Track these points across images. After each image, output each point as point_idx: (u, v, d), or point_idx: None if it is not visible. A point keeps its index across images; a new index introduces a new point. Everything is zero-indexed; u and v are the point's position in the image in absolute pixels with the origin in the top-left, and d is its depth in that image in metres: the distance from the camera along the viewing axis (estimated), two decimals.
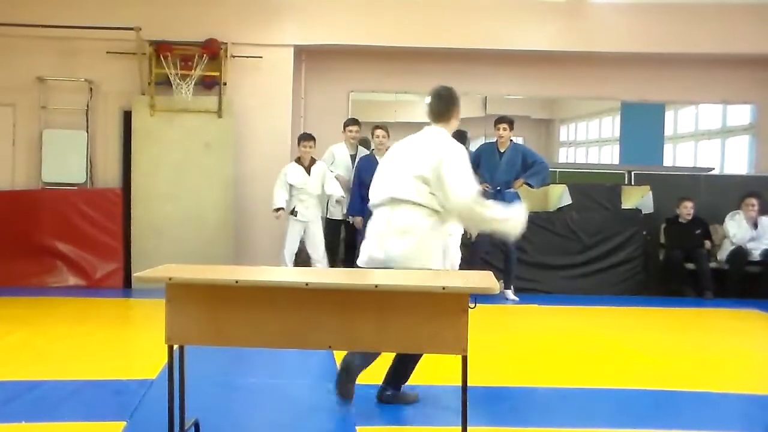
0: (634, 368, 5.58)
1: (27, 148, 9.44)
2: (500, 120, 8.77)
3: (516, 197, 8.43)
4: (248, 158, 9.49)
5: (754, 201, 9.44)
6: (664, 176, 10.17)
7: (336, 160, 8.88)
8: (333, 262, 9.07)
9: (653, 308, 8.53)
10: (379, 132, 8.72)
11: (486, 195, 8.27)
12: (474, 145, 10.66)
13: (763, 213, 9.52)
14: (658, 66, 10.30)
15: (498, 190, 8.51)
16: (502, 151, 8.74)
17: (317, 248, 8.55)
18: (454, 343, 3.26)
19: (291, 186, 8.57)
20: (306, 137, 8.66)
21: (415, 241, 4.28)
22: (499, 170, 8.66)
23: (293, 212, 8.53)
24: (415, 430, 4.01)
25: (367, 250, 4.39)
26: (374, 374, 4.94)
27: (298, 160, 8.65)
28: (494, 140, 8.89)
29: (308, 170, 8.59)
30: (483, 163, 8.75)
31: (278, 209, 8.46)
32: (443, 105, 4.55)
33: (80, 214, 9.14)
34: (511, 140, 8.81)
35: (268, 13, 9.62)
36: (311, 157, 8.64)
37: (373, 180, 4.56)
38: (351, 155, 9.04)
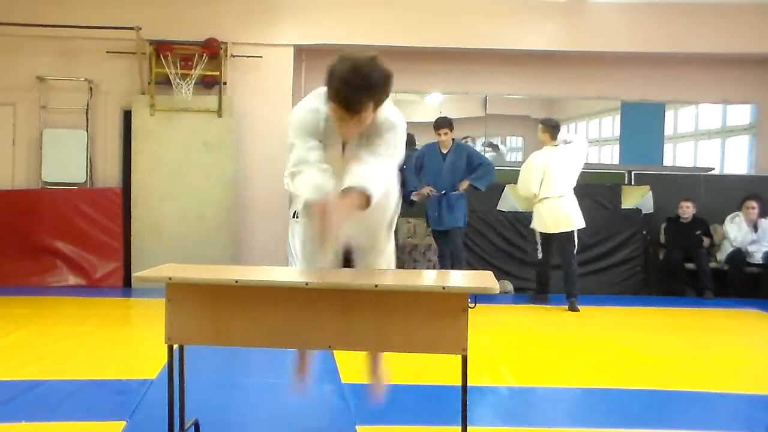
0: (634, 368, 5.58)
1: (27, 148, 9.44)
2: (440, 125, 8.50)
3: (461, 199, 8.40)
4: (248, 158, 9.50)
5: (754, 204, 9.42)
6: (664, 176, 10.17)
7: None
8: None
9: (653, 308, 8.54)
10: None
11: (431, 198, 8.32)
12: (474, 146, 10.70)
13: (763, 215, 9.50)
14: (658, 66, 10.30)
15: (444, 193, 8.39)
16: (444, 152, 8.53)
17: None
18: (454, 343, 3.26)
19: None
20: None
21: (578, 215, 8.28)
22: (443, 172, 8.46)
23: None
24: (415, 430, 4.01)
25: (554, 223, 8.27)
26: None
27: None
28: (436, 141, 8.60)
29: None
30: (426, 165, 8.56)
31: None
32: (558, 129, 8.42)
33: (80, 213, 9.15)
34: (453, 140, 8.60)
35: (268, 13, 9.62)
36: None
37: (543, 179, 8.23)
38: None
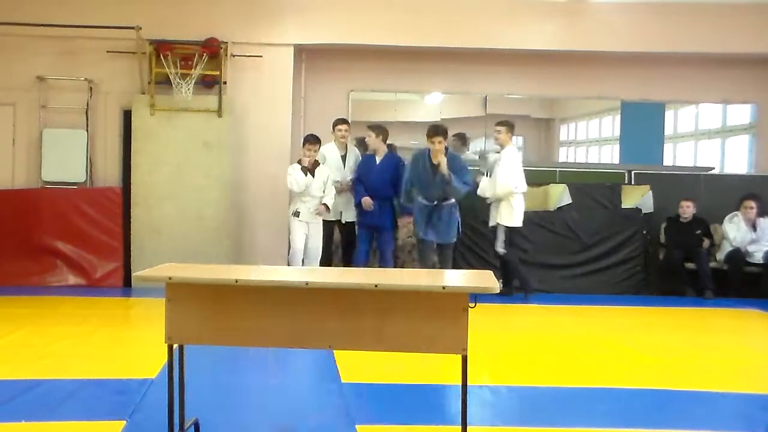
0: (634, 368, 5.58)
1: (27, 148, 9.44)
2: (434, 132, 8.13)
3: (454, 210, 8.33)
4: (248, 158, 9.49)
5: (752, 203, 9.41)
6: (664, 176, 10.16)
7: (327, 160, 8.83)
8: (329, 262, 9.05)
9: (653, 308, 8.53)
10: (367, 133, 8.81)
11: (424, 208, 8.25)
12: (474, 146, 10.70)
13: (762, 215, 9.48)
14: (658, 66, 10.30)
15: (435, 205, 8.25)
16: (436, 163, 8.12)
17: (314, 249, 8.47)
18: (454, 343, 3.26)
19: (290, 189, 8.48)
20: (310, 140, 8.45)
21: None
22: (433, 184, 8.20)
23: (296, 213, 8.45)
24: (415, 430, 4.01)
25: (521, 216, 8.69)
26: (375, 374, 4.94)
27: (299, 162, 8.48)
28: (428, 149, 8.22)
29: (312, 172, 8.41)
30: (414, 175, 8.30)
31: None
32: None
33: (80, 213, 9.14)
34: (447, 149, 8.26)
35: (268, 13, 9.61)
36: (315, 159, 8.47)
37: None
38: (341, 155, 8.99)
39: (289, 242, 8.71)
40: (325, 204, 8.46)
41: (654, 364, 5.75)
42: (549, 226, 9.52)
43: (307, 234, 8.46)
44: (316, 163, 8.48)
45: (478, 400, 4.42)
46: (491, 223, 8.86)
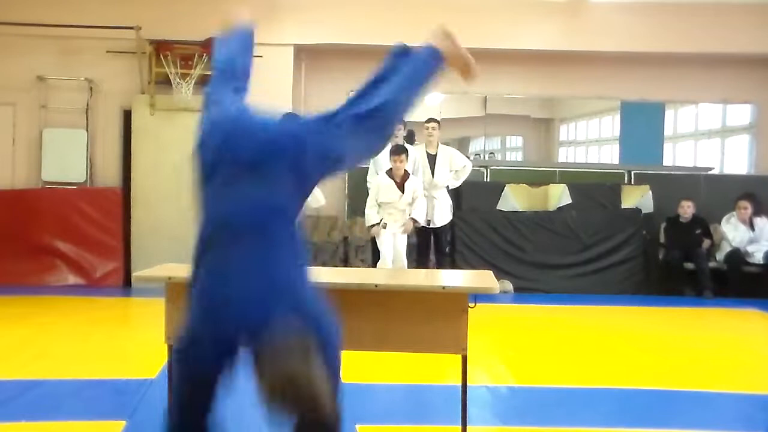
0: (634, 368, 5.58)
1: (27, 147, 9.44)
2: (398, 151, 7.86)
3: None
4: None
5: (746, 204, 9.41)
6: (663, 176, 10.17)
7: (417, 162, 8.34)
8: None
9: (653, 308, 8.54)
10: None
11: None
12: (474, 145, 10.71)
13: (758, 213, 9.49)
14: (658, 66, 10.31)
15: None
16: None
17: (400, 258, 7.94)
18: (454, 343, 3.27)
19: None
20: (398, 150, 7.87)
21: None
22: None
23: (383, 226, 7.87)
24: (415, 430, 4.01)
25: None
26: (375, 374, 4.94)
27: (390, 173, 7.96)
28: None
29: (401, 187, 7.88)
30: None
31: (373, 225, 7.92)
32: None
33: (80, 213, 9.14)
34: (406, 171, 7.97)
35: (267, 12, 9.59)
36: (404, 170, 7.92)
37: None
38: (431, 155, 8.52)
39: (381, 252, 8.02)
40: (413, 218, 7.94)
41: (654, 364, 5.75)
42: (549, 226, 9.52)
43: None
44: (406, 175, 7.96)
45: (477, 400, 4.42)
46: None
